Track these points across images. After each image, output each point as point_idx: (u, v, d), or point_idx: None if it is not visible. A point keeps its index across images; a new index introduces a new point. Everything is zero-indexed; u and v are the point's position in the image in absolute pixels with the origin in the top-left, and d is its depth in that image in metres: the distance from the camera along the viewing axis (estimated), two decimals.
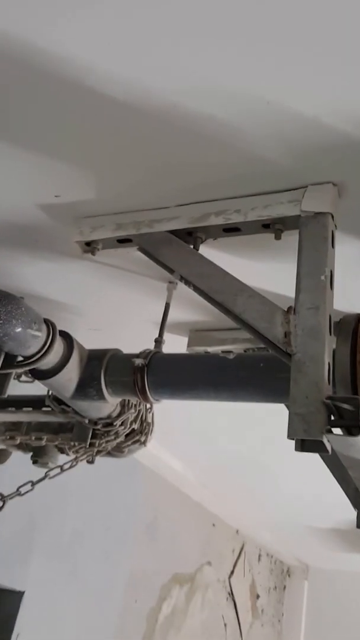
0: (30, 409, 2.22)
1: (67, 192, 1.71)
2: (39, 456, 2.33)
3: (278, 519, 5.32)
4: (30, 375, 1.78)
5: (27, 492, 2.09)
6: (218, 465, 4.22)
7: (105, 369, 1.79)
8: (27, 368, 1.70)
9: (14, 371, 1.72)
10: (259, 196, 1.59)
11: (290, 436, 1.23)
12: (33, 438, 2.21)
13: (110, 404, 1.91)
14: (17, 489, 2.08)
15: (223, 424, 3.39)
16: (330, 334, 1.37)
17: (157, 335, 1.96)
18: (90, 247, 1.79)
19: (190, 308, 2.21)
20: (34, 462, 2.31)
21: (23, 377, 2.33)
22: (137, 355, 1.77)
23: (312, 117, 1.33)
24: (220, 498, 4.84)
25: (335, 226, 1.51)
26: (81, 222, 1.79)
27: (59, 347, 1.73)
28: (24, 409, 2.23)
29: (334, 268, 1.46)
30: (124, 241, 1.76)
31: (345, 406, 1.21)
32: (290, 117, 1.34)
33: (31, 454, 2.34)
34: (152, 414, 2.17)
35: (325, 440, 1.21)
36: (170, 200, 1.69)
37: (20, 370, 1.73)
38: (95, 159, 1.57)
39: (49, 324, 1.70)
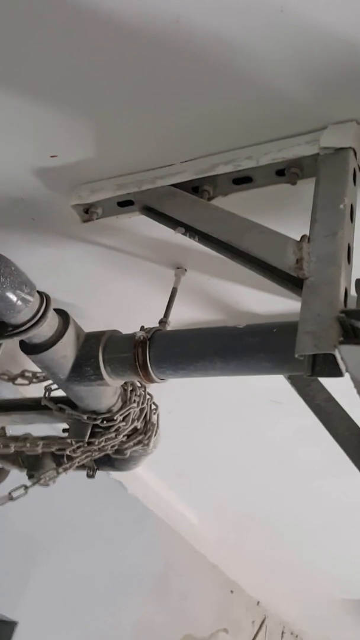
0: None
1: (65, 151, 1.60)
2: (35, 469, 2.16)
3: (305, 588, 4.88)
4: (22, 349, 1.63)
5: (19, 496, 1.92)
6: (239, 522, 3.92)
7: (103, 346, 1.64)
8: (18, 337, 1.55)
9: (3, 341, 1.57)
10: (272, 142, 1.45)
11: (298, 352, 1.11)
12: (28, 445, 2.04)
13: (109, 390, 1.76)
14: (9, 493, 1.90)
15: (248, 470, 3.15)
16: (349, 263, 1.22)
17: None
18: (89, 213, 1.66)
19: (197, 307, 2.07)
20: (30, 476, 2.14)
21: (19, 380, 2.19)
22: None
23: (333, 29, 1.18)
24: (239, 561, 4.49)
25: (359, 166, 1.37)
26: (79, 188, 1.68)
27: (53, 320, 1.59)
28: (19, 411, 2.09)
29: (355, 204, 1.32)
30: (125, 204, 1.64)
31: None
32: (309, 31, 1.19)
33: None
34: (157, 415, 1.99)
35: (338, 356, 1.06)
36: (174, 155, 1.56)
37: (9, 340, 1.57)
38: (93, 104, 1.46)
39: (42, 294, 1.57)
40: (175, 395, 2.03)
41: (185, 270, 1.93)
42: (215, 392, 2.59)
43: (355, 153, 1.35)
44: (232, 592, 4.86)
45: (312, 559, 4.12)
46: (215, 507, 3.74)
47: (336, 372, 1.11)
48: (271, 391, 2.44)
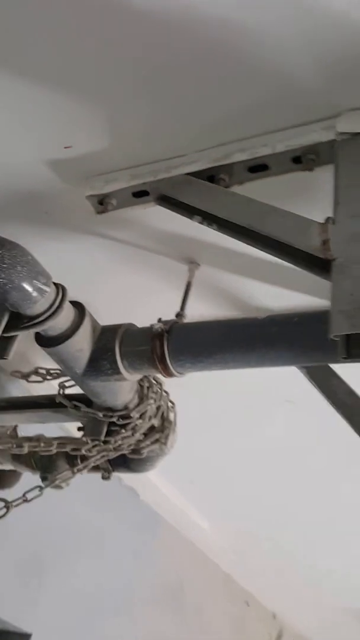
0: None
1: (79, 142, 1.58)
2: (48, 471, 2.11)
3: (326, 600, 4.76)
4: (38, 342, 1.60)
5: (34, 497, 1.87)
6: (252, 530, 3.85)
7: (120, 339, 1.61)
8: (34, 329, 1.52)
9: (20, 333, 1.53)
10: (287, 130, 1.44)
11: (334, 332, 1.07)
12: (42, 444, 2.00)
13: (126, 386, 1.73)
14: (24, 494, 1.86)
15: (261, 477, 3.11)
16: None
17: None
18: (103, 204, 1.64)
19: (210, 303, 2.05)
20: (43, 479, 2.10)
21: (32, 377, 2.17)
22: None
23: (347, 15, 1.16)
24: (254, 571, 4.40)
25: None
26: (93, 179, 1.66)
27: (69, 311, 1.56)
28: (33, 409, 2.06)
29: None
30: (140, 195, 1.62)
31: None
32: (322, 18, 1.17)
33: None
34: (175, 414, 1.96)
35: None
36: (189, 145, 1.54)
37: (26, 332, 1.54)
38: (107, 94, 1.44)
39: (58, 285, 1.54)
40: (186, 399, 1.99)
41: (199, 264, 1.90)
42: (227, 395, 2.57)
43: None
44: (247, 604, 4.77)
45: (330, 569, 4.02)
46: (227, 515, 3.70)
47: None
48: (286, 392, 2.40)
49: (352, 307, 1.08)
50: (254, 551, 4.12)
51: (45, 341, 1.58)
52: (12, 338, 1.61)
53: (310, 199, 1.57)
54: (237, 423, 2.71)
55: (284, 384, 2.30)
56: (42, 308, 1.48)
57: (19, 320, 1.52)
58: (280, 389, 2.38)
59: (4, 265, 1.39)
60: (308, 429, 2.59)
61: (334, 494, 3.10)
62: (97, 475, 2.77)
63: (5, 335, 1.52)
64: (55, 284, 1.52)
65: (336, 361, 1.54)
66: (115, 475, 3.16)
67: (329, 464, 2.79)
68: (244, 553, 4.17)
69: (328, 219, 1.24)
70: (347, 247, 1.19)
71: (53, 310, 1.49)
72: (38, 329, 1.51)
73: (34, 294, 1.44)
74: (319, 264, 1.22)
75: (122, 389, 1.73)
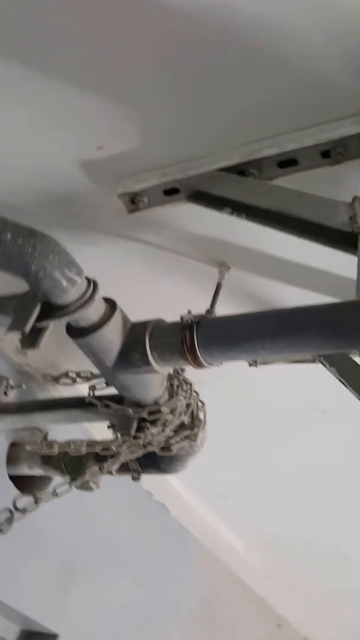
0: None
1: (110, 142, 1.63)
2: (78, 474, 2.12)
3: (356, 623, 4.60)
4: (68, 333, 1.64)
5: (63, 493, 1.89)
6: (286, 549, 3.77)
7: (150, 332, 1.64)
8: (65, 318, 1.55)
9: (51, 323, 1.57)
10: (316, 126, 1.47)
11: None
12: (72, 446, 2.02)
13: (156, 380, 1.75)
14: (54, 490, 1.88)
15: (294, 491, 3.06)
16: None
17: None
18: (135, 202, 1.69)
19: (239, 306, 2.07)
20: (72, 480, 2.10)
21: (62, 380, 2.20)
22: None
23: None
24: (287, 592, 4.29)
25: None
26: (125, 180, 1.71)
27: (100, 304, 1.60)
28: (64, 409, 2.09)
29: None
30: (170, 193, 1.67)
31: None
32: (349, 11, 1.22)
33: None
34: (204, 413, 1.98)
35: None
36: (220, 143, 1.58)
37: (58, 322, 1.58)
38: (138, 94, 1.50)
39: (90, 279, 1.58)
40: (217, 409, 2.01)
41: (229, 267, 1.93)
42: (258, 404, 2.57)
43: None
44: (279, 626, 4.67)
45: None
46: (260, 533, 3.63)
47: None
48: (318, 401, 2.40)
49: None
50: (288, 572, 4.04)
51: (77, 332, 1.61)
52: (43, 330, 1.64)
53: (337, 194, 1.60)
54: (268, 432, 2.70)
55: (316, 392, 2.31)
56: (73, 297, 1.51)
57: (50, 311, 1.56)
58: (312, 398, 2.38)
59: (36, 254, 1.44)
60: (346, 441, 2.57)
61: None
62: (130, 491, 2.79)
63: (37, 326, 1.55)
64: (87, 277, 1.56)
65: None
66: (146, 490, 3.20)
67: None
68: (278, 575, 4.09)
69: (355, 197, 1.28)
70: None
71: (85, 301, 1.53)
72: (69, 319, 1.55)
73: (65, 283, 1.48)
74: (347, 240, 1.25)
75: (152, 382, 1.75)
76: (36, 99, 1.54)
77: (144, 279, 2.08)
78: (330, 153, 1.46)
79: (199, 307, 1.80)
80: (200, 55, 1.37)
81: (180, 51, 1.37)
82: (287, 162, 1.52)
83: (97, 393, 1.95)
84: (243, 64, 1.37)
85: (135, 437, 1.84)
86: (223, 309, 1.85)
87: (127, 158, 1.66)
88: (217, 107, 1.49)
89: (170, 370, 1.78)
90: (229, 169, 1.56)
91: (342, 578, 3.86)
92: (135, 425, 1.84)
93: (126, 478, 2.04)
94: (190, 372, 1.73)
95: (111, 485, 2.11)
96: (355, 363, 1.85)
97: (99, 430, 2.20)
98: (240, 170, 1.56)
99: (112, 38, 1.36)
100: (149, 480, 2.66)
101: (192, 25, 1.30)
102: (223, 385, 2.27)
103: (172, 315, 1.63)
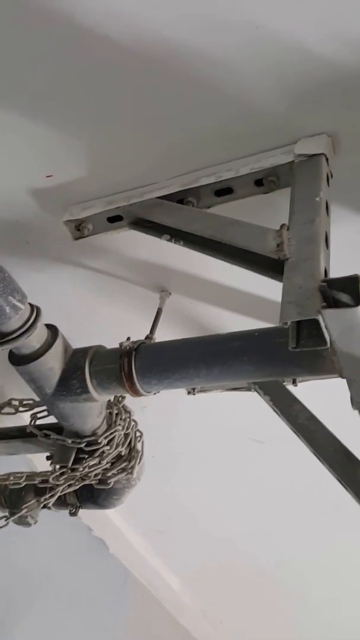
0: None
1: (59, 171, 1.69)
2: (17, 508, 2.09)
3: None
4: (10, 360, 1.64)
5: (1, 527, 1.86)
6: (224, 588, 3.73)
7: (90, 359, 1.66)
8: (6, 345, 1.55)
9: None
10: (251, 156, 1.57)
11: (283, 319, 1.14)
12: (12, 478, 2.00)
13: (95, 409, 1.76)
14: None
15: (231, 522, 3.07)
16: (327, 248, 1.28)
17: None
18: (80, 229, 1.74)
19: (180, 331, 2.12)
20: (11, 514, 2.07)
21: (5, 409, 2.18)
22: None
23: (304, 45, 1.30)
24: (223, 636, 4.21)
25: (331, 173, 1.46)
26: (71, 207, 1.76)
27: (42, 331, 1.61)
28: (3, 440, 2.07)
29: (329, 202, 1.40)
30: (114, 220, 1.72)
31: (342, 296, 1.09)
32: (282, 46, 1.32)
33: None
34: (142, 443, 1.98)
35: (322, 322, 1.10)
36: (161, 173, 1.66)
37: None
38: (86, 125, 1.56)
39: (33, 305, 1.59)
40: (153, 440, 2.03)
41: (170, 293, 1.98)
42: (192, 435, 2.58)
43: (327, 160, 1.47)
44: None
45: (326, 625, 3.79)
46: (198, 569, 3.60)
47: (320, 342, 1.14)
48: (251, 429, 2.43)
49: (301, 298, 1.15)
50: (225, 613, 3.99)
51: (18, 359, 1.61)
52: None
53: (270, 221, 1.66)
54: (202, 462, 2.71)
55: (253, 423, 2.34)
56: (16, 325, 1.51)
57: None
58: (248, 428, 2.41)
59: None
60: (285, 473, 2.59)
61: (317, 537, 3.04)
62: (70, 525, 2.75)
63: None
64: (30, 304, 1.57)
65: (294, 374, 1.61)
66: (86, 525, 3.16)
67: (313, 506, 2.77)
68: (214, 615, 4.03)
69: (283, 225, 1.34)
70: (299, 248, 1.28)
71: (26, 328, 1.53)
72: (10, 346, 1.55)
73: (8, 310, 1.48)
74: (274, 268, 1.30)
75: (91, 411, 1.75)
76: None
77: (89, 304, 2.12)
78: (263, 182, 1.56)
79: (142, 333, 1.83)
80: (143, 90, 1.45)
81: (123, 85, 1.45)
82: (224, 191, 1.61)
83: (40, 422, 1.93)
84: (184, 96, 1.45)
85: (73, 469, 1.82)
86: (165, 335, 1.89)
87: (74, 186, 1.72)
88: (159, 138, 1.57)
89: (111, 397, 1.78)
90: (169, 197, 1.63)
91: (287, 618, 3.82)
92: (73, 455, 1.83)
93: (66, 512, 2.02)
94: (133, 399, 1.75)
95: (51, 519, 2.08)
96: (289, 392, 1.89)
97: (43, 462, 2.18)
98: (180, 198, 1.64)
99: (59, 72, 1.43)
100: (89, 514, 2.63)
101: (134, 59, 1.38)
102: (162, 416, 2.29)
103: (115, 340, 1.66)
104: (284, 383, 1.97)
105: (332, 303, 1.10)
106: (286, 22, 1.27)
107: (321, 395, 1.82)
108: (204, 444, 2.62)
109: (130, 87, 1.45)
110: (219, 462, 2.69)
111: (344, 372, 1.17)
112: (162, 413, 2.39)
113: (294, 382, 2.02)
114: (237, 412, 2.32)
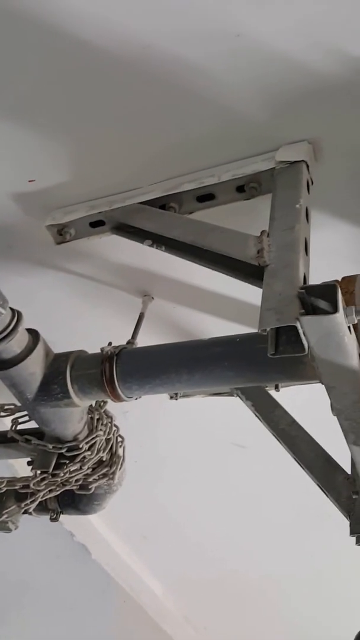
0: None
1: (42, 175, 1.69)
2: None
3: None
4: None
5: None
6: (208, 593, 3.73)
7: (72, 364, 1.65)
8: None
9: None
10: (233, 162, 1.57)
11: (261, 326, 1.14)
12: None
13: (76, 414, 1.75)
14: None
15: (214, 528, 3.06)
16: (307, 254, 1.29)
17: None
18: (62, 234, 1.74)
19: (163, 336, 2.12)
20: None
21: None
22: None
23: (285, 54, 1.31)
24: None
25: (311, 180, 1.47)
26: (53, 212, 1.76)
27: (23, 336, 1.60)
28: None
29: (309, 209, 1.41)
30: (96, 225, 1.73)
31: (321, 302, 1.10)
32: (263, 55, 1.32)
33: None
34: (124, 448, 1.98)
35: (300, 329, 1.09)
36: (143, 179, 1.66)
37: None
38: (69, 130, 1.56)
39: (14, 310, 1.59)
40: (136, 445, 2.03)
41: (152, 298, 1.98)
42: (174, 439, 2.58)
43: (307, 167, 1.48)
44: None
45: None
46: (180, 575, 3.59)
47: (298, 349, 1.14)
48: (234, 434, 2.44)
49: (280, 305, 1.15)
50: (208, 619, 3.98)
51: None
52: None
53: (251, 228, 1.67)
54: (185, 468, 2.71)
55: (234, 428, 2.34)
56: None
57: None
58: (231, 433, 2.41)
59: None
60: (267, 478, 2.60)
61: (301, 549, 3.04)
62: (52, 531, 2.74)
63: None
64: (11, 308, 1.57)
65: (275, 380, 1.62)
66: (68, 530, 3.15)
67: (295, 510, 2.77)
68: (197, 621, 4.03)
69: (263, 232, 1.35)
70: (278, 255, 1.29)
71: (7, 333, 1.53)
72: None
73: None
74: (254, 274, 1.30)
75: (72, 417, 1.74)
76: None
77: (71, 309, 2.12)
78: (245, 188, 1.57)
79: (125, 337, 1.83)
80: (126, 97, 1.46)
81: (106, 92, 1.45)
82: (205, 197, 1.62)
83: (22, 427, 1.92)
84: (167, 103, 1.46)
85: (54, 475, 1.81)
86: (147, 340, 1.89)
87: (57, 191, 1.72)
88: (142, 143, 1.57)
89: (92, 402, 1.77)
90: (151, 203, 1.64)
91: (268, 623, 3.82)
92: (54, 461, 1.82)
93: (47, 518, 2.02)
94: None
95: (33, 524, 2.07)
96: (271, 397, 1.90)
97: (24, 467, 2.17)
98: (162, 204, 1.64)
99: (42, 77, 1.43)
100: (71, 519, 2.62)
101: (117, 65, 1.38)
102: (145, 420, 2.29)
103: (97, 345, 1.65)
104: (267, 388, 1.97)
105: (311, 310, 1.10)
106: (267, 31, 1.28)
107: (304, 400, 1.82)
108: (186, 449, 2.62)
109: (113, 94, 1.45)
110: (201, 467, 2.69)
111: (322, 379, 1.17)
112: (145, 418, 2.39)
113: (277, 388, 2.02)
114: (220, 417, 2.32)
